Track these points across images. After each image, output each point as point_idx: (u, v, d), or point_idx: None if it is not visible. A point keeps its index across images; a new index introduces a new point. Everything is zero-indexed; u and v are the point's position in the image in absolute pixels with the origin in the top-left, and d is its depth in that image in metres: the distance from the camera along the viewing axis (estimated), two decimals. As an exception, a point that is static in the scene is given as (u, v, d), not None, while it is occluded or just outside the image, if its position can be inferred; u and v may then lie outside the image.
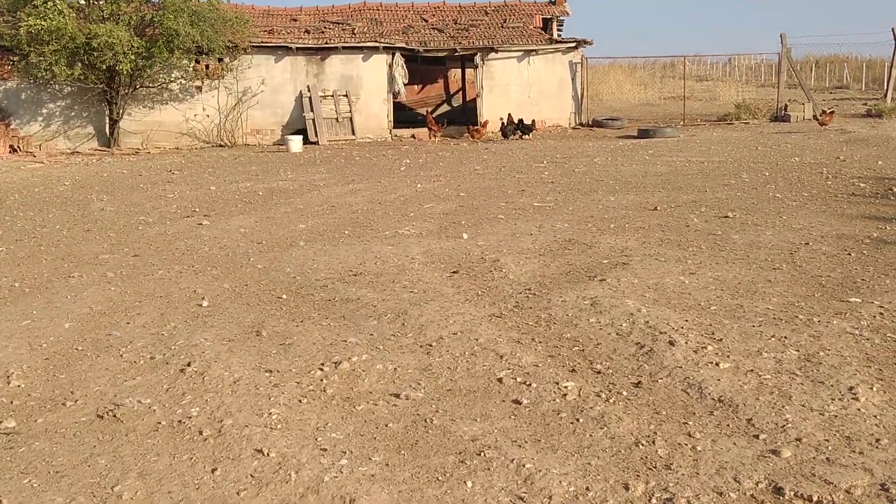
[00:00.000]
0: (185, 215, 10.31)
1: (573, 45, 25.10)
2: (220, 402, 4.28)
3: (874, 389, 4.24)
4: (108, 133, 23.27)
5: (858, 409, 4.02)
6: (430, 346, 5.06)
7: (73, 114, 23.42)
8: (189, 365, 4.81)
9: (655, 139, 20.49)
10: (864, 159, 14.05)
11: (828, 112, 21.94)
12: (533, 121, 22.64)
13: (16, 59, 21.35)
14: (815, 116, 23.32)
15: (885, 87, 28.06)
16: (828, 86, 45.19)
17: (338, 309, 5.89)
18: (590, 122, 25.42)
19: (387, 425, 3.99)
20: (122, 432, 4.00)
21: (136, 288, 6.69)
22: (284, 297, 6.26)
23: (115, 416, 4.16)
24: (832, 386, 4.29)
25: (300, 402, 4.28)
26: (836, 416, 3.95)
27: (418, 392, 4.36)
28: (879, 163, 13.45)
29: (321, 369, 4.69)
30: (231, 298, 6.28)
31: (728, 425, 3.89)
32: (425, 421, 4.03)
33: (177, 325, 5.61)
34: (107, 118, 23.22)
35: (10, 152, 21.96)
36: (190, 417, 4.12)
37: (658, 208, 9.72)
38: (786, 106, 25.83)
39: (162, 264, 7.55)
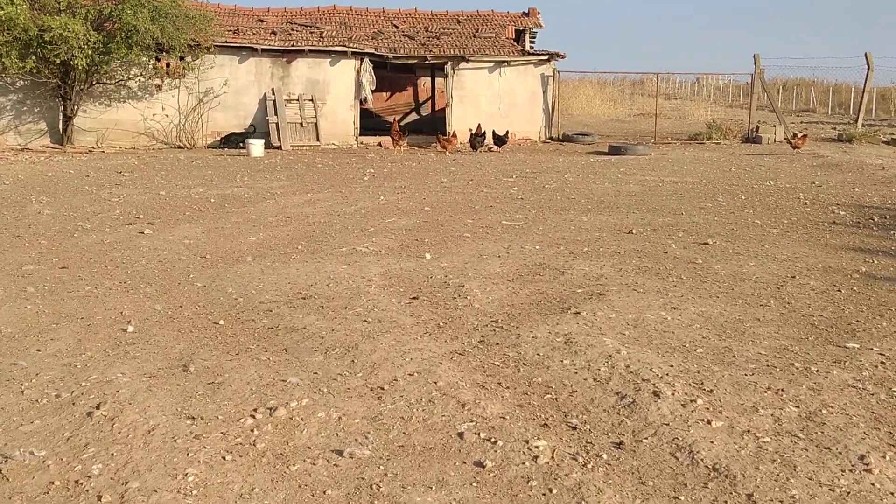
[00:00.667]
0: (128, 222, 9.56)
1: (546, 57, 24.66)
2: (128, 458, 3.60)
3: (887, 458, 3.69)
4: (61, 130, 22.31)
5: (873, 484, 3.47)
6: (382, 389, 4.42)
7: (24, 108, 22.42)
8: (99, 407, 4.12)
9: (627, 156, 20.07)
10: (840, 185, 13.69)
11: (800, 135, 21.71)
12: (507, 132, 22.15)
13: (-36, 49, 20.32)
14: (786, 139, 23.08)
15: (857, 113, 28.04)
16: (794, 108, 45.45)
17: (280, 339, 5.22)
18: (560, 137, 24.99)
19: (325, 492, 3.35)
20: (6, 494, 3.31)
21: (57, 307, 5.96)
22: (222, 322, 5.58)
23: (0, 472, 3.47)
24: (840, 453, 3.73)
25: (224, 458, 3.61)
26: (848, 493, 3.39)
27: (365, 449, 3.72)
28: (856, 189, 13.09)
29: (253, 416, 4.03)
30: (161, 323, 5.58)
31: (726, 502, 3.31)
32: (371, 487, 3.39)
33: (93, 355, 4.90)
34: (60, 114, 22.26)
35: (-46, 146, 20.90)
36: (89, 477, 3.44)
37: (633, 231, 9.18)
38: (757, 127, 25.62)
39: (91, 279, 6.82)
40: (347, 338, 5.23)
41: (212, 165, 16.48)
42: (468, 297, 6.26)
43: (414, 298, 6.25)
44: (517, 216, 10.20)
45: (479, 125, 21.96)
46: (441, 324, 5.59)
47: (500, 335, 5.36)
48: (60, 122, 22.30)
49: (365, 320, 5.62)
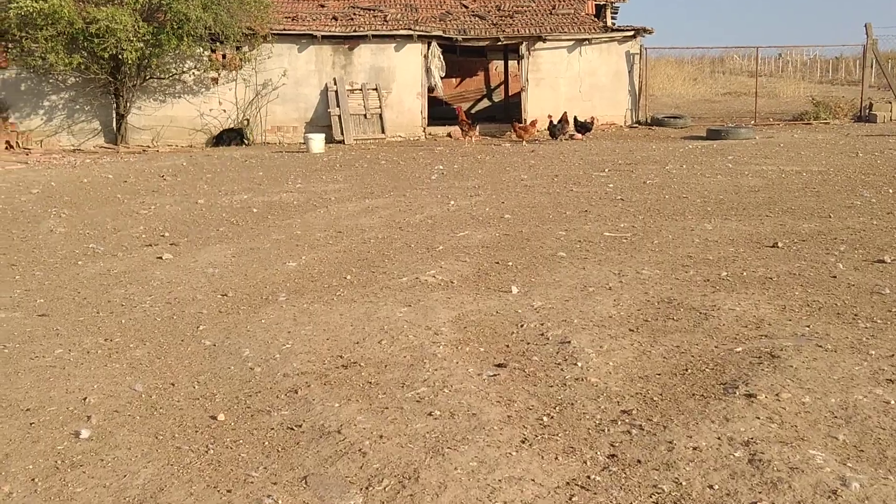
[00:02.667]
0: (148, 243, 7.91)
1: (631, 33, 22.37)
2: None
3: None
4: (115, 129, 21.14)
5: None
6: (459, 580, 2.55)
7: (76, 107, 21.32)
8: None
9: (729, 141, 17.73)
10: None
11: (931, 112, 18.98)
12: (591, 118, 20.02)
13: (10, 45, 19.23)
14: (910, 116, 20.35)
15: None
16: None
17: (301, 455, 3.40)
18: (648, 120, 22.69)
19: None
20: None
21: (3, 387, 4.27)
22: (222, 417, 3.79)
23: None
24: None
25: None
26: None
27: None
28: None
29: None
30: (135, 419, 3.83)
31: None
32: None
33: (12, 491, 3.17)
34: (113, 112, 21.08)
35: (5, 149, 19.91)
36: None
37: (779, 244, 7.09)
38: (871, 105, 22.85)
39: (70, 334, 5.14)
40: (402, 453, 3.37)
41: (265, 165, 14.88)
42: (579, 364, 4.34)
43: (500, 366, 4.36)
44: (621, 224, 8.19)
45: (564, 113, 19.87)
46: (545, 419, 3.68)
47: (640, 443, 3.43)
48: (114, 120, 21.12)
49: (430, 413, 3.75)
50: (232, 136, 20.95)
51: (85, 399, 4.02)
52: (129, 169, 14.55)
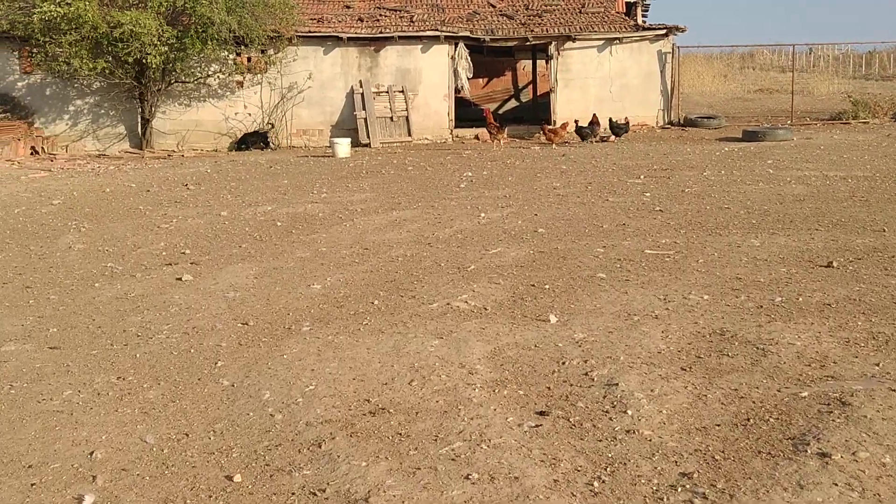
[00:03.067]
0: (168, 261, 7.62)
1: (663, 32, 21.86)
2: None
3: None
4: (140, 133, 21.00)
5: None
6: None
7: (102, 111, 21.24)
8: None
9: (767, 143, 17.20)
10: None
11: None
12: (626, 119, 19.54)
13: (34, 50, 19.12)
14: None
15: None
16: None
17: (325, 529, 3.06)
18: (681, 121, 22.16)
19: None
20: None
21: (6, 435, 3.97)
22: (238, 478, 3.45)
23: None
24: None
25: None
26: None
27: None
28: None
29: None
30: (143, 479, 3.49)
31: None
32: None
33: (4, 573, 2.85)
34: (139, 117, 20.94)
35: (31, 154, 19.83)
36: None
37: (834, 264, 6.64)
38: (912, 102, 22.15)
39: (80, 370, 4.84)
40: (439, 529, 3.02)
41: (290, 171, 14.60)
42: (629, 412, 3.95)
43: (542, 414, 3.98)
44: (663, 240, 7.77)
45: (594, 115, 19.40)
46: (596, 484, 3.30)
47: (706, 516, 3.04)
48: (139, 125, 20.99)
49: (467, 476, 3.38)
50: (255, 140, 20.67)
51: (92, 454, 3.70)
52: (152, 176, 14.33)
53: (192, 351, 5.09)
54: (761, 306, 5.62)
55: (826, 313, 5.42)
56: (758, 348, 4.79)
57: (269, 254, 7.80)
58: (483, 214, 9.37)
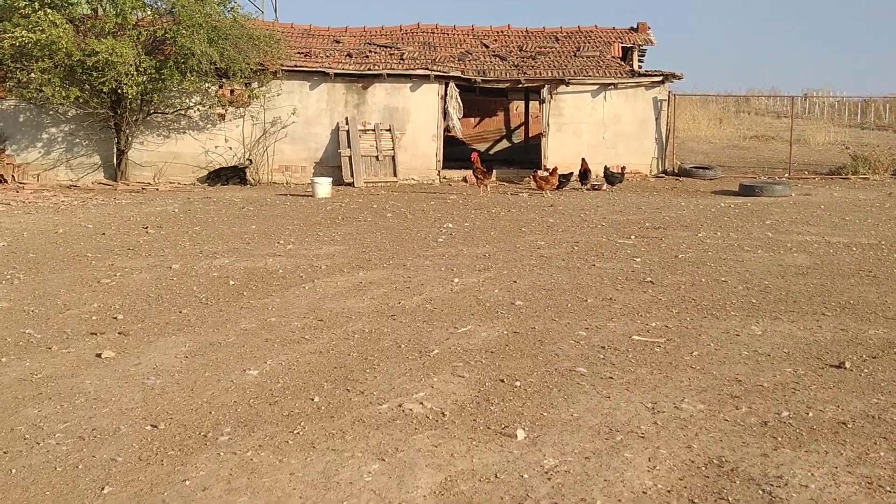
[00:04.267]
0: (94, 330, 6.74)
1: (659, 79, 21.26)
2: None
3: None
4: (115, 164, 20.20)
5: None
6: None
7: (76, 140, 20.46)
8: None
9: (764, 198, 16.50)
10: None
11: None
12: (622, 169, 18.83)
13: (7, 76, 18.36)
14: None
15: None
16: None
17: None
18: (675, 170, 21.49)
19: None
20: None
21: None
22: None
23: None
24: None
25: None
26: None
27: None
28: None
29: None
30: None
31: None
32: None
33: None
34: (115, 147, 20.15)
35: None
36: None
37: (846, 364, 5.80)
38: (913, 159, 21.54)
39: (-65, 493, 3.94)
40: None
41: (262, 214, 13.77)
42: None
43: None
44: (653, 323, 6.93)
45: (583, 161, 18.67)
46: None
47: None
48: (114, 155, 20.19)
49: None
50: (231, 175, 19.86)
51: None
52: (115, 215, 13.48)
53: (80, 467, 4.20)
54: (766, 423, 4.77)
55: (842, 436, 4.58)
56: (763, 490, 3.93)
57: (210, 323, 6.93)
58: (457, 280, 8.53)
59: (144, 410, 4.98)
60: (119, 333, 6.61)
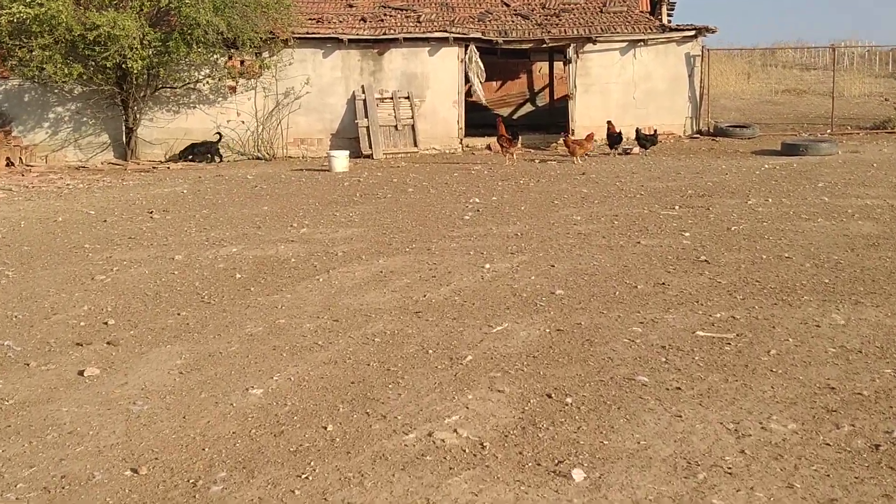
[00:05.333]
0: (80, 339, 5.95)
1: (692, 33, 20.03)
2: None
3: None
4: (124, 143, 19.42)
5: None
6: None
7: (84, 119, 19.67)
8: None
9: (810, 157, 15.40)
10: None
11: None
12: (654, 131, 17.77)
13: (8, 55, 17.54)
14: None
15: None
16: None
17: None
18: (710, 130, 20.34)
19: None
20: None
21: None
22: None
23: None
24: None
25: None
26: None
27: None
28: None
29: None
30: None
31: None
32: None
33: None
34: (122, 125, 19.35)
35: (6, 166, 18.29)
36: None
37: (959, 367, 4.88)
38: (964, 110, 20.25)
39: None
40: None
41: (276, 193, 12.94)
42: None
43: None
44: (717, 314, 6.02)
45: (609, 124, 17.61)
46: None
47: None
48: (123, 133, 19.40)
49: None
50: (202, 151, 18.69)
51: None
52: (120, 199, 12.71)
53: (39, 534, 3.41)
54: (877, 447, 3.90)
55: (980, 466, 3.68)
56: (901, 555, 3.05)
57: (211, 327, 6.12)
58: (488, 266, 7.64)
59: (126, 448, 4.18)
60: (108, 343, 5.82)
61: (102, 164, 19.34)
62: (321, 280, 7.37)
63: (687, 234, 8.72)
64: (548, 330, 5.78)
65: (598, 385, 4.77)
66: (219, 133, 18.80)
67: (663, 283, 6.87)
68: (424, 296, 6.75)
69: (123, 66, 17.21)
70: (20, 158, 19.04)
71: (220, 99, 19.83)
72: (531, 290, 6.82)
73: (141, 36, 16.89)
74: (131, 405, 4.72)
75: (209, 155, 18.70)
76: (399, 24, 20.40)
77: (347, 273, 7.58)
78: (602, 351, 5.33)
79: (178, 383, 5.04)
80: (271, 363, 5.34)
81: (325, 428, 4.32)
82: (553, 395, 4.63)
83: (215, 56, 18.67)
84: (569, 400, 4.57)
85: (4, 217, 11.17)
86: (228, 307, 6.64)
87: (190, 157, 18.63)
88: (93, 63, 17.29)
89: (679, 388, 4.69)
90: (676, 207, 10.34)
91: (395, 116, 19.55)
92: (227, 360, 5.41)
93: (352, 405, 4.62)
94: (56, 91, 19.18)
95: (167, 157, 19.24)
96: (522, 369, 5.05)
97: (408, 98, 19.74)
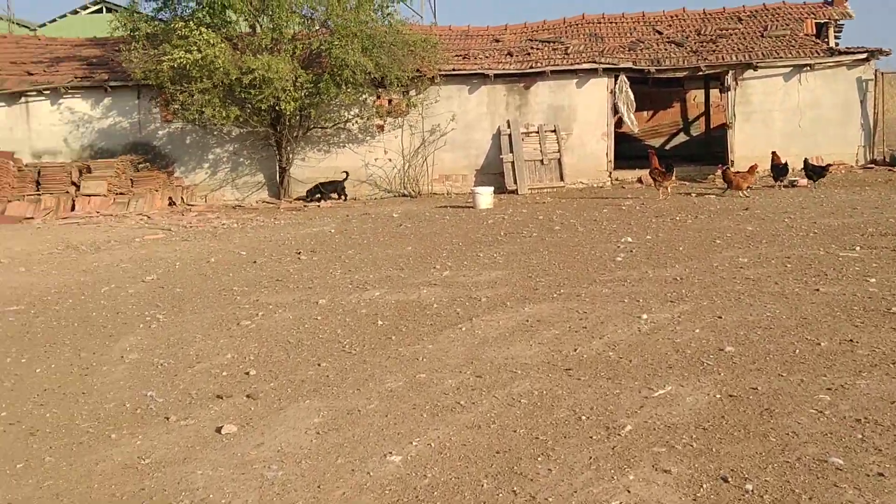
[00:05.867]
0: (220, 391, 5.79)
1: (863, 56, 18.57)
2: None
3: None
4: (278, 182, 20.01)
5: None
6: None
7: (240, 160, 20.46)
8: None
9: None
10: None
11: None
12: (824, 162, 16.51)
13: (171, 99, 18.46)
14: None
15: None
16: None
17: None
18: (886, 159, 18.71)
19: None
20: None
21: None
22: None
23: None
24: None
25: None
26: None
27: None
28: None
29: None
30: None
31: None
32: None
33: None
34: (276, 165, 19.95)
35: (168, 205, 19.20)
36: None
37: None
38: None
39: None
40: None
41: (420, 232, 12.78)
42: None
43: None
44: (922, 380, 5.16)
45: (773, 154, 16.47)
46: None
47: None
48: (277, 173, 19.99)
49: None
50: (329, 190, 18.89)
51: None
52: (271, 238, 12.91)
53: None
54: None
55: None
56: None
57: (350, 381, 5.83)
58: (645, 316, 7.02)
59: (255, 524, 3.89)
60: (247, 396, 5.64)
61: (257, 202, 19.98)
62: (463, 329, 6.98)
63: (873, 280, 7.75)
64: (718, 395, 5.11)
65: (782, 467, 4.09)
66: (345, 172, 19.06)
67: (851, 340, 6.03)
68: (575, 350, 6.22)
69: (277, 107, 17.73)
70: (181, 198, 19.95)
71: (367, 137, 20.11)
72: (696, 345, 6.15)
73: (294, 78, 17.35)
74: (266, 470, 4.46)
75: (335, 194, 19.00)
76: (546, 56, 20.06)
77: (491, 322, 7.16)
78: (784, 423, 4.63)
79: (314, 445, 4.75)
80: (410, 424, 4.96)
81: (468, 510, 3.88)
82: (730, 479, 4.00)
83: (364, 96, 18.97)
84: (749, 486, 3.92)
85: (162, 258, 11.51)
86: (369, 357, 6.36)
87: (317, 195, 18.98)
88: (249, 105, 17.91)
89: (881, 475, 3.94)
90: (857, 248, 9.31)
91: (540, 150, 19.16)
92: (365, 420, 5.08)
93: (497, 480, 4.16)
94: (215, 133, 20.05)
95: (295, 197, 19.64)
96: (691, 444, 4.43)
97: (554, 131, 19.32)
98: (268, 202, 19.90)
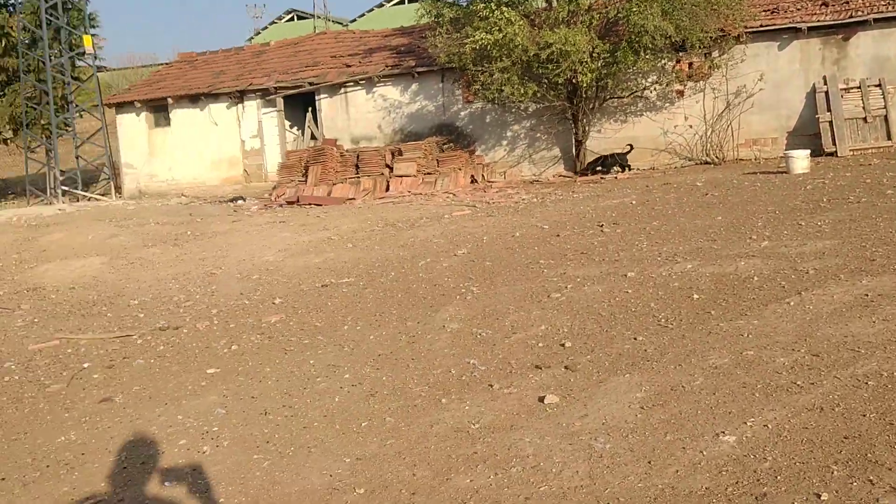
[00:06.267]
0: (538, 362, 5.89)
1: None
2: None
3: None
4: (574, 155, 20.05)
5: None
6: None
7: (537, 135, 20.77)
8: None
9: None
10: None
11: None
12: None
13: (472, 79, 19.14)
14: None
15: None
16: None
17: None
18: None
19: None
20: None
21: None
22: None
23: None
24: None
25: None
26: None
27: None
28: None
29: None
30: None
31: None
32: None
33: None
34: (572, 138, 19.98)
35: (470, 183, 20.04)
36: None
37: None
38: None
39: None
40: None
41: (728, 200, 12.10)
42: None
43: None
44: None
45: None
46: None
47: None
48: (573, 146, 20.03)
49: None
50: (612, 163, 18.40)
51: None
52: (571, 212, 12.96)
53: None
54: None
55: None
56: None
57: (670, 356, 5.65)
58: None
59: (590, 493, 3.90)
60: (565, 368, 5.69)
61: (554, 177, 20.17)
62: (791, 303, 6.47)
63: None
64: None
65: None
66: (630, 145, 18.55)
67: None
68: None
69: (573, 80, 17.70)
70: (482, 175, 20.68)
71: (666, 104, 19.44)
72: None
73: (590, 49, 17.19)
74: (593, 441, 4.46)
75: (618, 166, 18.62)
76: (868, 3, 18.01)
77: (823, 296, 6.56)
78: None
79: (640, 420, 4.66)
80: (742, 404, 4.69)
81: (819, 496, 3.58)
82: None
83: (662, 61, 18.33)
84: None
85: (469, 233, 12.01)
86: (687, 332, 6.12)
87: (599, 168, 18.70)
88: (545, 81, 18.05)
89: None
90: None
91: (863, 108, 17.28)
92: (690, 397, 4.90)
93: (848, 468, 3.79)
94: (512, 111, 20.51)
95: (577, 170, 19.51)
96: None
97: (879, 86, 17.32)
98: (564, 176, 20.01)
